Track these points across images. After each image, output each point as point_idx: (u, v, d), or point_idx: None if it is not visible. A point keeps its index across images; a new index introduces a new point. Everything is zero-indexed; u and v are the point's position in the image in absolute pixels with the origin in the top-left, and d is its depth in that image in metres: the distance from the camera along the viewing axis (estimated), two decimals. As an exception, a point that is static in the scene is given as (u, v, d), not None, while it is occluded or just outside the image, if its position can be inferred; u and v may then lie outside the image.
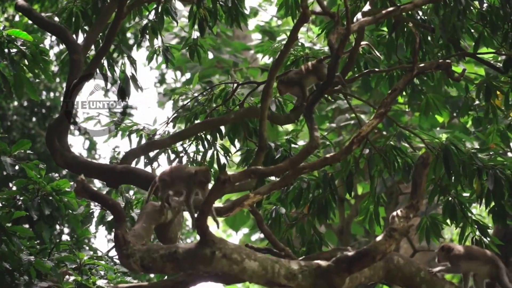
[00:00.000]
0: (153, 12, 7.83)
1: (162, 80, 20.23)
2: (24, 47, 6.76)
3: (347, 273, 5.46)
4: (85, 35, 7.47)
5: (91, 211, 7.70)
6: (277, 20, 18.21)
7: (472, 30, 7.51)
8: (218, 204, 6.14)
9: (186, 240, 18.19)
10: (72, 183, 6.65)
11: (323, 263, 5.49)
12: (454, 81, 7.37)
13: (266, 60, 7.88)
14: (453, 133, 10.82)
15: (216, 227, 5.94)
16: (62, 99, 7.19)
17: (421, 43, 7.32)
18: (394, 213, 5.49)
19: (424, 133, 7.62)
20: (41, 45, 6.84)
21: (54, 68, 15.56)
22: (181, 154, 7.76)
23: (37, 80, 7.20)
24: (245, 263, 5.28)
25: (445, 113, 11.91)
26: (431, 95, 7.87)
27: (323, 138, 7.94)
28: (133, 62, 7.70)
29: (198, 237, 5.29)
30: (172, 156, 7.72)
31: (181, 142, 7.69)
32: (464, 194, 7.36)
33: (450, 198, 7.25)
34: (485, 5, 7.38)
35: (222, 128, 7.64)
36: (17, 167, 6.75)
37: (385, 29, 7.71)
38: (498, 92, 7.56)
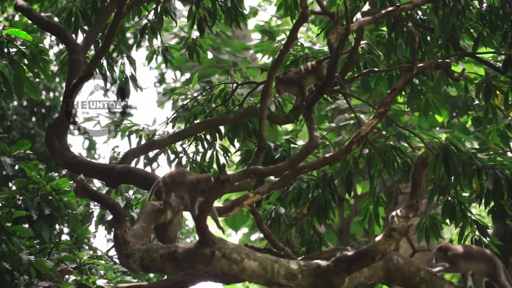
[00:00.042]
0: (152, 12, 7.83)
1: (161, 80, 20.23)
2: (24, 47, 6.76)
3: (347, 273, 5.46)
4: (84, 35, 7.47)
5: (90, 210, 7.70)
6: (277, 20, 18.21)
7: (472, 30, 7.51)
8: (217, 203, 6.14)
9: (186, 239, 18.20)
10: (71, 182, 6.65)
11: (322, 263, 5.49)
12: (454, 81, 7.37)
13: (265, 60, 7.87)
14: (453, 133, 10.82)
15: (217, 228, 5.94)
16: (61, 99, 7.19)
17: (420, 43, 7.32)
18: (394, 213, 5.48)
19: (423, 133, 7.62)
20: (41, 44, 6.85)
21: (54, 68, 15.57)
22: (180, 155, 7.76)
23: (37, 80, 7.20)
24: (244, 263, 5.28)
25: (445, 113, 11.93)
26: (431, 95, 7.87)
27: (322, 138, 7.94)
28: (132, 62, 7.70)
29: (197, 237, 5.29)
30: (172, 156, 7.73)
31: (180, 142, 7.69)
32: (464, 194, 7.37)
33: (449, 198, 7.25)
34: (484, 5, 7.38)
35: (222, 128, 7.64)
36: (16, 167, 6.75)
37: (384, 29, 7.71)
38: (497, 92, 7.56)
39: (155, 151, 7.57)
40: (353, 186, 7.59)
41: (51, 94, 16.94)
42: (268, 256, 5.47)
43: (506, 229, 10.39)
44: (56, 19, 7.60)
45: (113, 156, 8.10)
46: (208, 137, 7.68)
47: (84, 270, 6.62)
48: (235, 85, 7.60)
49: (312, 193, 7.50)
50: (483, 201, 7.07)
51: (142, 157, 7.47)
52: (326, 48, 7.64)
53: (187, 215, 6.75)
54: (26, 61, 6.83)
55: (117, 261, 5.78)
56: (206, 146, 7.71)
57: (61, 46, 16.03)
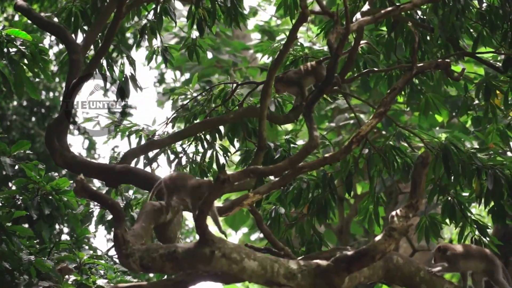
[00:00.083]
0: (152, 12, 7.82)
1: (161, 80, 20.23)
2: (23, 47, 6.76)
3: (347, 273, 5.47)
4: (84, 35, 7.47)
5: (90, 210, 7.70)
6: (277, 19, 18.20)
7: (471, 30, 7.51)
8: (217, 203, 6.14)
9: (186, 239, 18.19)
10: (71, 182, 6.65)
11: (322, 262, 5.50)
12: (454, 81, 7.37)
13: (265, 60, 7.87)
14: (453, 133, 10.82)
15: (219, 232, 5.94)
16: (61, 98, 7.18)
17: (420, 43, 7.32)
18: (394, 213, 5.48)
19: (423, 132, 7.62)
20: (40, 44, 6.85)
21: (54, 67, 15.57)
22: (180, 155, 7.76)
23: (36, 80, 7.21)
24: (244, 263, 5.28)
25: (445, 113, 11.93)
26: (431, 95, 7.87)
27: (322, 138, 7.94)
28: (132, 62, 7.70)
29: (197, 237, 5.29)
30: (172, 156, 7.72)
31: (180, 143, 7.69)
32: (464, 194, 7.36)
33: (449, 198, 7.25)
34: (484, 4, 7.38)
35: (221, 128, 7.64)
36: (16, 167, 6.75)
37: (384, 28, 7.71)
38: (497, 92, 7.55)
39: (155, 151, 7.57)
40: (353, 186, 7.59)
41: (51, 94, 16.94)
42: (268, 256, 5.47)
43: (506, 229, 10.39)
44: (55, 19, 7.60)
45: (113, 156, 8.09)
46: (208, 137, 7.68)
47: (84, 270, 6.62)
48: (234, 85, 7.60)
49: (312, 193, 7.50)
50: (483, 201, 7.07)
51: (142, 157, 7.47)
52: (326, 48, 7.64)
53: (186, 215, 6.77)
54: (26, 61, 6.83)
55: (117, 260, 5.79)
56: (206, 146, 7.71)
57: (61, 46, 16.04)
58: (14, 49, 6.75)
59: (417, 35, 6.68)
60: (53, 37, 15.72)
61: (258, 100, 7.04)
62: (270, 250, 6.17)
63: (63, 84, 16.09)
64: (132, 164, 7.05)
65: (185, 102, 7.88)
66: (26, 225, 6.64)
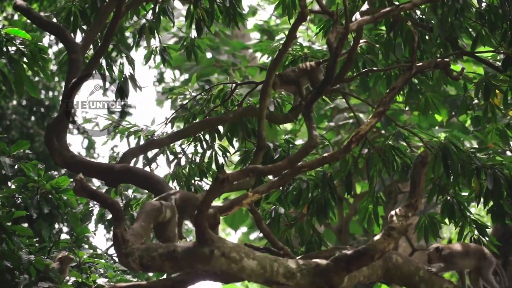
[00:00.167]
0: (150, 11, 7.82)
1: (160, 79, 20.22)
2: (23, 46, 6.76)
3: (346, 272, 5.46)
4: (83, 35, 7.47)
5: (90, 209, 7.70)
6: (276, 19, 18.20)
7: (470, 29, 7.51)
8: (217, 203, 6.14)
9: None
10: (71, 180, 6.66)
11: (321, 262, 5.50)
12: (453, 80, 7.37)
13: (264, 59, 7.87)
14: (452, 132, 10.82)
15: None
16: (60, 98, 7.17)
17: (419, 42, 7.32)
18: (393, 212, 5.48)
19: (422, 132, 7.62)
20: (40, 43, 6.84)
21: (53, 67, 15.57)
22: (179, 155, 7.76)
23: (36, 79, 7.21)
24: (243, 262, 5.28)
25: (444, 112, 11.92)
26: (430, 94, 7.87)
27: (321, 138, 7.94)
28: (131, 62, 7.70)
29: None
30: (171, 157, 7.72)
31: (179, 143, 7.69)
32: (463, 194, 7.36)
33: (448, 197, 7.25)
34: (483, 4, 7.38)
35: (221, 128, 7.64)
36: (16, 167, 6.75)
37: (383, 28, 7.71)
38: (497, 91, 7.56)
39: (154, 151, 7.57)
40: (352, 186, 7.59)
41: (50, 93, 16.94)
42: (267, 255, 5.47)
43: (505, 228, 10.40)
44: (54, 19, 7.60)
45: (112, 156, 8.10)
46: (207, 137, 7.68)
47: (84, 269, 6.62)
48: (234, 85, 7.59)
49: (311, 193, 7.50)
50: (482, 200, 7.08)
51: (141, 157, 7.47)
52: (325, 48, 7.64)
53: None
54: (25, 60, 6.83)
55: (117, 259, 5.79)
56: (205, 146, 7.70)
57: (60, 46, 16.04)
58: (14, 48, 6.75)
59: (416, 35, 6.68)
60: (52, 37, 15.72)
61: (258, 100, 7.04)
62: (270, 249, 6.17)
63: (63, 84, 16.10)
64: (131, 164, 7.05)
65: (184, 102, 7.87)
66: (26, 224, 6.65)
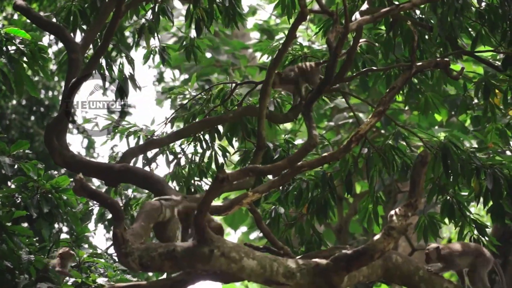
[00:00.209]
0: (150, 11, 7.81)
1: (160, 79, 20.22)
2: (23, 46, 6.76)
3: (346, 272, 5.47)
4: (83, 34, 7.46)
5: (90, 208, 7.70)
6: (276, 18, 18.20)
7: (470, 29, 7.51)
8: (216, 202, 6.14)
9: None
10: (71, 180, 6.65)
11: (321, 261, 5.50)
12: (453, 80, 7.37)
13: (264, 59, 7.86)
14: (452, 132, 10.82)
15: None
16: (60, 98, 7.17)
17: (419, 42, 7.32)
18: (393, 212, 5.48)
19: (422, 131, 7.62)
20: (40, 43, 6.84)
21: (53, 66, 15.56)
22: (179, 155, 7.76)
23: (36, 78, 7.21)
24: (243, 262, 5.28)
25: (444, 112, 11.92)
26: (430, 94, 7.87)
27: (321, 137, 7.94)
28: (131, 62, 7.70)
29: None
30: (171, 157, 7.72)
31: (179, 143, 7.68)
32: (463, 193, 7.36)
33: (448, 197, 7.25)
34: (483, 3, 7.38)
35: (220, 128, 7.64)
36: (15, 166, 6.75)
37: (383, 27, 7.71)
38: (496, 91, 7.56)
39: (154, 151, 7.57)
40: (352, 186, 7.60)
41: (50, 93, 16.93)
42: (267, 255, 5.47)
43: (505, 228, 10.41)
44: (54, 18, 7.59)
45: (112, 156, 8.09)
46: (206, 137, 7.68)
47: (84, 269, 6.62)
48: (233, 85, 7.59)
49: (311, 193, 7.50)
50: (482, 200, 7.08)
51: (141, 157, 7.46)
52: (325, 47, 7.64)
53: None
54: (25, 59, 6.83)
55: (117, 259, 5.79)
56: (204, 146, 7.70)
57: (60, 45, 16.04)
58: (14, 48, 6.75)
59: (416, 34, 6.68)
60: (52, 36, 15.71)
61: (257, 99, 7.04)
62: (269, 249, 6.17)
63: (62, 83, 16.10)
64: (131, 164, 7.05)
65: (184, 102, 7.87)
66: (26, 224, 6.65)
